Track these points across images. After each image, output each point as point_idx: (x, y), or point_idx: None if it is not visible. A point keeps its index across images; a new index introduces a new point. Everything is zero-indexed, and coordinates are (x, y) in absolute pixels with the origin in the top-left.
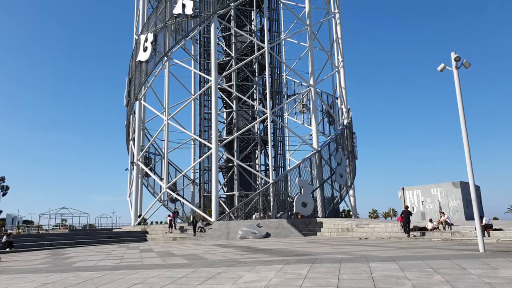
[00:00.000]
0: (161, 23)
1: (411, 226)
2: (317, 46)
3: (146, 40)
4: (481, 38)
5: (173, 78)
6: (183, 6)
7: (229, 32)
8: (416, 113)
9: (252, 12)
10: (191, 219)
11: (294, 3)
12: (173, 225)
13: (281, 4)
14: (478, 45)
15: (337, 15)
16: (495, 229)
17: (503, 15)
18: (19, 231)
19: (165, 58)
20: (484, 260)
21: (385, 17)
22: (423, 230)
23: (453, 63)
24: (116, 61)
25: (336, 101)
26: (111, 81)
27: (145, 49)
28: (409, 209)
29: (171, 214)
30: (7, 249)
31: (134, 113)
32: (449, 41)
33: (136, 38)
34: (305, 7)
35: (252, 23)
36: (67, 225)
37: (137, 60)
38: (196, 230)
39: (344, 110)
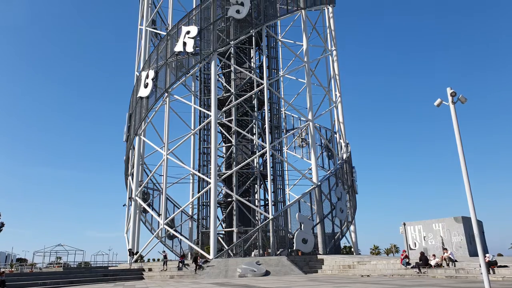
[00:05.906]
0: (162, 60)
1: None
2: (315, 82)
3: (147, 77)
4: (483, 70)
5: (172, 114)
6: (184, 44)
7: (229, 69)
8: (416, 147)
9: (251, 50)
10: (193, 256)
11: (292, 41)
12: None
13: (280, 42)
14: (479, 78)
15: (334, 53)
16: (500, 266)
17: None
18: (12, 269)
19: (166, 94)
20: None
21: (384, 51)
22: (426, 266)
23: (449, 98)
24: (117, 97)
25: (335, 135)
26: (110, 116)
27: (146, 85)
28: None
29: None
30: None
31: (134, 148)
32: (449, 74)
33: (137, 74)
34: (302, 45)
35: (252, 60)
36: (61, 263)
37: (137, 96)
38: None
39: (343, 144)
